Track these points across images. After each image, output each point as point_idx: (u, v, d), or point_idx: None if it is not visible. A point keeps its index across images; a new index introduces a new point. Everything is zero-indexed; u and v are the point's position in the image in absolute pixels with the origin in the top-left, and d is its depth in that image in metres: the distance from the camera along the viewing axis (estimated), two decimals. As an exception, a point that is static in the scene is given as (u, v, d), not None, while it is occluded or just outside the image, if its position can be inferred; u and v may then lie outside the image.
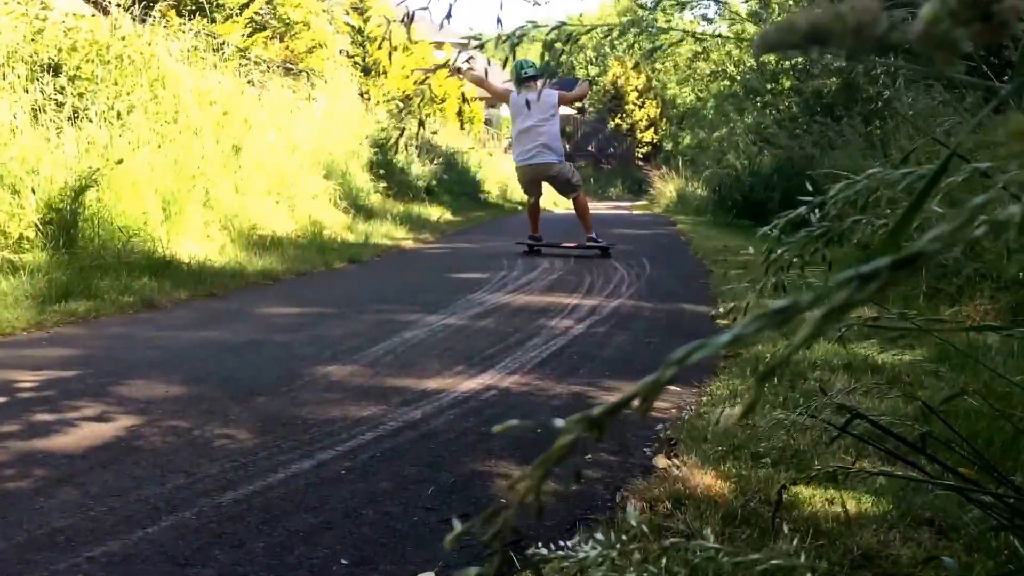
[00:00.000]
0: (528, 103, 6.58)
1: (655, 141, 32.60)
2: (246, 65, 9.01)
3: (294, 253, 6.66)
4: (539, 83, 6.21)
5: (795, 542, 1.43)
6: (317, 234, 7.72)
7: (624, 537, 0.97)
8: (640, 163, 31.13)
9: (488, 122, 23.85)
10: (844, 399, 2.28)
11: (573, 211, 7.68)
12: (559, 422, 0.36)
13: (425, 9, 1.55)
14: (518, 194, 19.15)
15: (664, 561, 0.94)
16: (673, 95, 27.25)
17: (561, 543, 1.03)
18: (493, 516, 0.37)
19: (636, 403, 0.35)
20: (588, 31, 1.21)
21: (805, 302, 0.32)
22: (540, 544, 1.14)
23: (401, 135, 6.02)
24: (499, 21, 1.60)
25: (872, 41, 0.33)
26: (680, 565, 0.95)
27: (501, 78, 9.28)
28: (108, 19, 6.87)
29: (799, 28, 0.35)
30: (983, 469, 1.18)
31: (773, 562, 0.82)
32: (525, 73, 6.59)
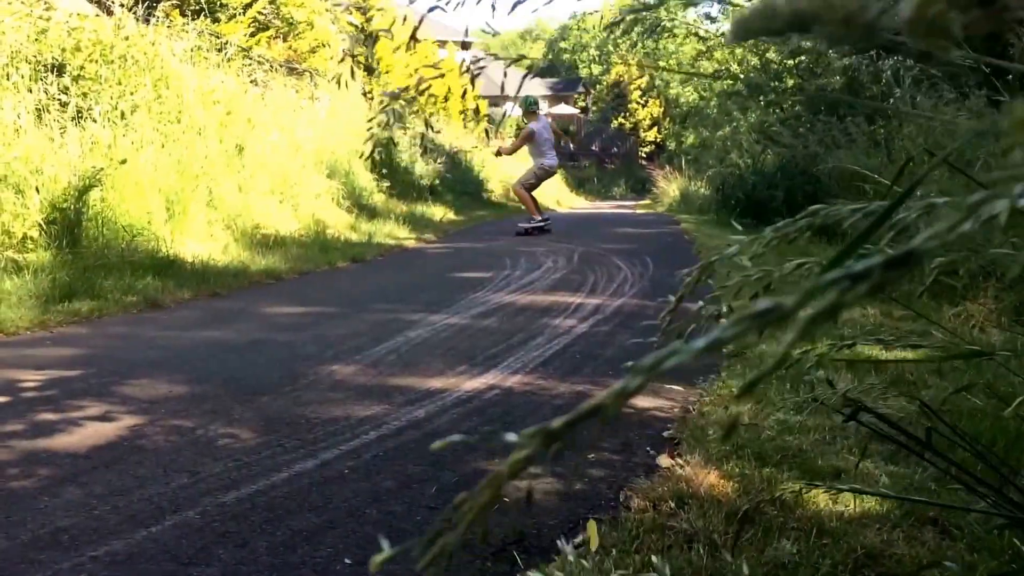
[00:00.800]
0: (543, 129, 9.46)
1: (658, 140, 32.53)
2: (249, 65, 9.01)
3: (297, 252, 6.67)
4: (540, 113, 9.54)
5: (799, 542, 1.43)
6: (320, 233, 7.73)
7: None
8: (643, 162, 31.07)
9: (492, 121, 23.76)
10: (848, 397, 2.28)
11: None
12: (511, 436, 0.34)
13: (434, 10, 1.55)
14: (521, 193, 19.08)
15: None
16: (676, 94, 27.18)
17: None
18: (433, 539, 0.35)
19: (608, 404, 0.33)
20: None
21: (790, 304, 0.30)
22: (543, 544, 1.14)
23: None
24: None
25: (861, 29, 0.32)
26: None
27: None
28: (112, 19, 6.87)
29: (781, 14, 0.33)
30: (988, 468, 1.18)
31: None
32: (530, 107, 9.39)
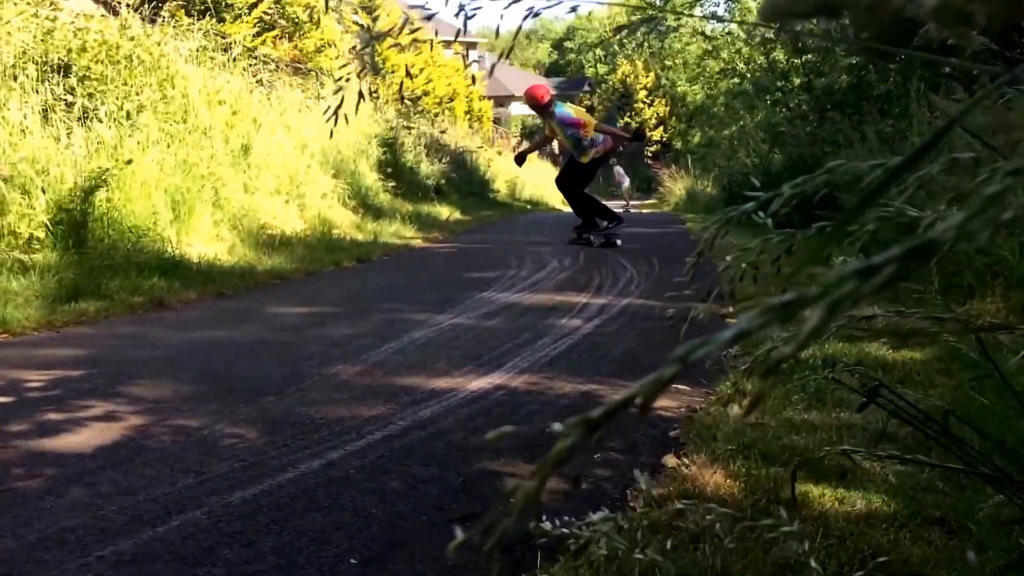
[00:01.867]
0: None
1: (664, 139, 32.53)
2: (255, 64, 9.02)
3: (303, 252, 6.67)
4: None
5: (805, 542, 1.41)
6: (326, 233, 7.73)
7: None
8: (649, 162, 31.07)
9: (497, 121, 23.78)
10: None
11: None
12: (557, 426, 0.35)
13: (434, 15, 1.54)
14: (527, 193, 19.16)
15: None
16: (683, 92, 27.17)
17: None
18: (492, 526, 0.36)
19: (638, 401, 0.34)
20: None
21: (810, 295, 0.31)
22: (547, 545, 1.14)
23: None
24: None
25: (887, 14, 0.32)
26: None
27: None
28: (117, 19, 6.88)
29: None
30: (997, 467, 1.17)
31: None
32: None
